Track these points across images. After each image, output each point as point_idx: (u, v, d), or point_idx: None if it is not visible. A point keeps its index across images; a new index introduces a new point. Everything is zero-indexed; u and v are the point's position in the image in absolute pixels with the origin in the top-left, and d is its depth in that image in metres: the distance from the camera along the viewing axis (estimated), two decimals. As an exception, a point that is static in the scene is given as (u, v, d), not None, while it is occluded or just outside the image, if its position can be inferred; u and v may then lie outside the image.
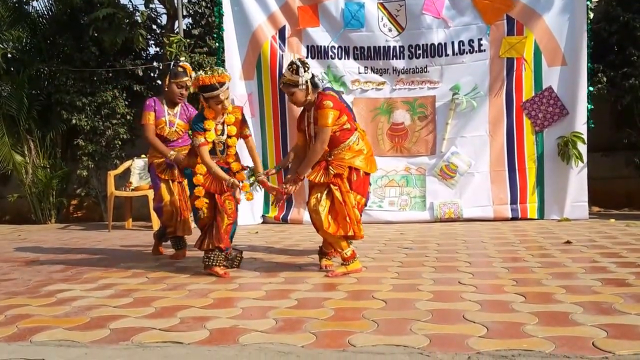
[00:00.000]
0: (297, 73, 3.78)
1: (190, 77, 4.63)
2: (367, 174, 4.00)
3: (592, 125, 6.65)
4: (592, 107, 6.63)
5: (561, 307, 2.73)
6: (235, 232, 4.14)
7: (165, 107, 4.75)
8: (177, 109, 4.81)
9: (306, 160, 3.87)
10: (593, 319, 2.50)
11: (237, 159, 4.13)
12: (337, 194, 3.77)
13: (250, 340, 2.39)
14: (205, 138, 3.89)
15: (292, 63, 3.84)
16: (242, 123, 4.09)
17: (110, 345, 2.41)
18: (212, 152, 3.97)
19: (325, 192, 3.81)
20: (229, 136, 3.99)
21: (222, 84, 3.83)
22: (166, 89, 4.78)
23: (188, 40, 7.97)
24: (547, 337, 2.26)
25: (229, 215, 3.94)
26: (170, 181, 4.77)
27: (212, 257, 3.93)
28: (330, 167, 3.83)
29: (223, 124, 3.98)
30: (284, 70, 3.94)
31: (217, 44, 7.39)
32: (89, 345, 2.42)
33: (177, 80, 4.70)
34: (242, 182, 4.06)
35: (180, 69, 4.75)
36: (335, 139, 3.84)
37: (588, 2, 6.53)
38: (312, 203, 3.82)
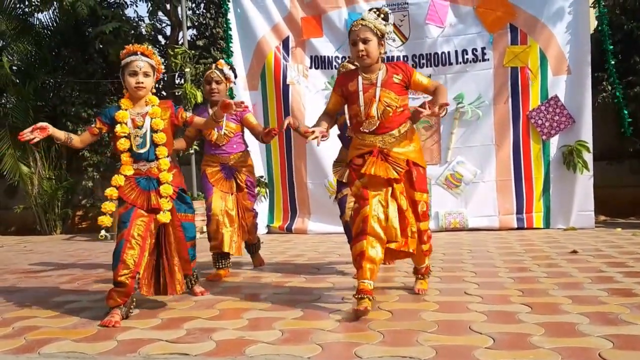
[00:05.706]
0: (386, 20, 3.05)
1: (220, 70, 4.27)
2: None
3: (632, 129, 6.66)
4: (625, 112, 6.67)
5: (567, 318, 2.73)
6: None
7: (210, 111, 4.23)
8: None
9: (441, 95, 3.03)
10: (599, 330, 2.49)
11: (173, 167, 3.32)
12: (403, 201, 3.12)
13: (256, 351, 2.40)
14: (98, 128, 3.39)
15: (379, 9, 3.09)
16: (175, 118, 3.33)
17: (118, 356, 2.42)
18: (132, 154, 3.34)
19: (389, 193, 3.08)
20: (154, 130, 3.26)
21: (142, 54, 3.27)
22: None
23: (193, 52, 8.01)
24: (554, 348, 2.26)
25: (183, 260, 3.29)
26: (227, 194, 4.30)
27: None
28: (390, 159, 3.07)
29: (145, 115, 3.28)
30: (364, 14, 3.09)
31: (222, 55, 7.42)
32: (96, 357, 2.43)
33: (205, 76, 4.32)
34: (168, 198, 3.25)
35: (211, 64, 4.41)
36: (396, 116, 3.07)
37: (601, 9, 6.56)
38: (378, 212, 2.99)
